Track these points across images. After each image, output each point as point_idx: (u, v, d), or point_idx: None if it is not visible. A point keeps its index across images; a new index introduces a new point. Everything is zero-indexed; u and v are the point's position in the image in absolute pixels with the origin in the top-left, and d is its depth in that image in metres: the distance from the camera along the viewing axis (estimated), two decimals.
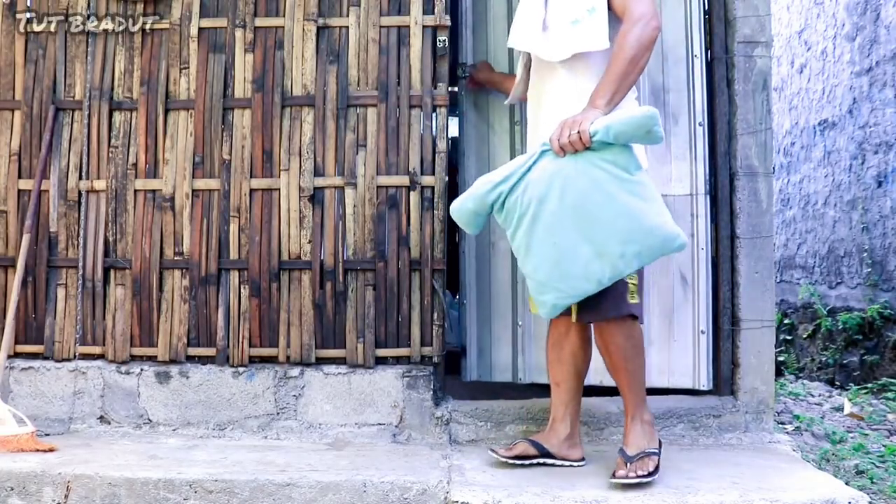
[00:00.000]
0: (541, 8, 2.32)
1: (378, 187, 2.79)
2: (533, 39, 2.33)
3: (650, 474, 2.13)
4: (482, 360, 2.99)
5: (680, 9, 2.85)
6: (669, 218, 2.12)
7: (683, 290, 2.82)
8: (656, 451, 2.22)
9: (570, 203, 2.08)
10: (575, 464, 2.34)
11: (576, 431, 2.39)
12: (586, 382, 2.67)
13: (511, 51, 2.92)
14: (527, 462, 2.33)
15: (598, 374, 2.78)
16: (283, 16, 2.84)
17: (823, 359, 5.09)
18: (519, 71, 2.55)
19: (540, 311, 2.20)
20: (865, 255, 4.83)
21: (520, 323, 2.96)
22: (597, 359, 2.78)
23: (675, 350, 2.82)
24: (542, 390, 2.73)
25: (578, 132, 2.08)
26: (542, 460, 2.34)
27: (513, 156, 2.91)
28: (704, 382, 2.79)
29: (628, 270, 2.10)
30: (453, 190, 2.86)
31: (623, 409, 2.33)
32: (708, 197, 2.82)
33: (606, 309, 2.19)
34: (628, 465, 2.16)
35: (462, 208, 2.25)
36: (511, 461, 2.33)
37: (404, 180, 2.78)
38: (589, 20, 2.22)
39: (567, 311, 2.25)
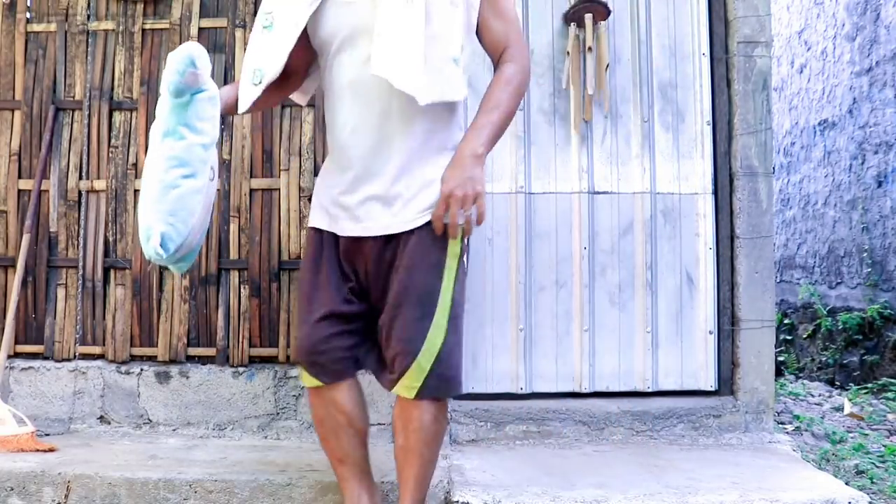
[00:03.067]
0: (419, 27, 1.66)
1: None
2: (412, 74, 1.65)
3: None
4: (476, 369, 2.78)
5: (686, 4, 2.85)
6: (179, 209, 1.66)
7: (690, 291, 2.81)
8: None
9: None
10: None
11: None
12: (590, 388, 2.63)
13: None
14: None
15: (602, 380, 2.79)
16: None
17: (823, 359, 5.09)
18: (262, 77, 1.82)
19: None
20: (865, 255, 4.83)
21: (521, 327, 2.81)
22: (602, 364, 2.78)
23: (684, 352, 2.81)
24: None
25: (476, 206, 1.67)
26: None
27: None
28: (712, 383, 2.79)
29: (149, 253, 1.64)
30: None
31: None
32: (714, 196, 2.82)
33: (452, 383, 1.77)
34: None
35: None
36: None
37: None
38: (461, 60, 1.74)
39: (321, 378, 1.84)
